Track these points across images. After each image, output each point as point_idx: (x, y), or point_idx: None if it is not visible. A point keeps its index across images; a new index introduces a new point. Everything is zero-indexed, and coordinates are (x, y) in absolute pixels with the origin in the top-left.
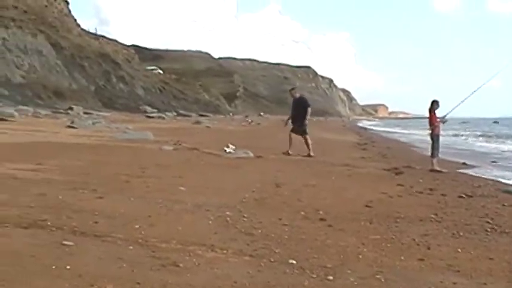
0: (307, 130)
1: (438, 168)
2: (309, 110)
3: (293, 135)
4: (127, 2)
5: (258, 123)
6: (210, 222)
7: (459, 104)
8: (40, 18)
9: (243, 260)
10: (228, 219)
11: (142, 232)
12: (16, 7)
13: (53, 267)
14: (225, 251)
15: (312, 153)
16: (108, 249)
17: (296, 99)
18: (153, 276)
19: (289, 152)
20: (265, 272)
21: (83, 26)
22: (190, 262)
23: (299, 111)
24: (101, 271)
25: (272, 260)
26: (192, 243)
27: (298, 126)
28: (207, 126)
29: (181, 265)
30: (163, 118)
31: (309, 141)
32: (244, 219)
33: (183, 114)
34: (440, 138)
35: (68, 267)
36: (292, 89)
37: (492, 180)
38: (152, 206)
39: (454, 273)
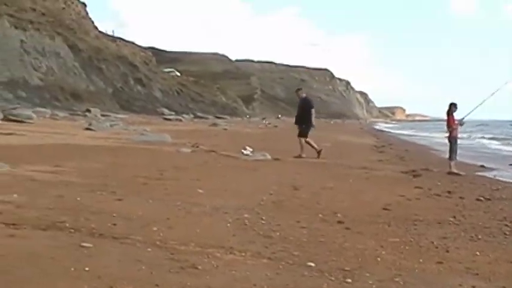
0: (308, 133)
1: (456, 171)
2: (313, 111)
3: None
4: (144, 5)
5: (275, 126)
6: (229, 224)
7: (477, 106)
8: (58, 21)
9: (262, 262)
10: (246, 221)
11: (161, 234)
12: (34, 9)
13: (72, 269)
14: (243, 254)
15: (303, 155)
16: (127, 251)
17: (301, 99)
18: (171, 279)
19: (302, 155)
20: (284, 275)
21: (100, 29)
22: (209, 264)
23: (302, 112)
24: (120, 273)
25: (290, 262)
26: (211, 245)
27: (301, 127)
28: (224, 129)
29: (199, 267)
30: (181, 120)
31: (303, 143)
32: (263, 221)
33: (200, 117)
34: (458, 141)
35: (87, 268)
36: (298, 89)
37: (511, 182)
38: (170, 209)
39: (473, 276)
